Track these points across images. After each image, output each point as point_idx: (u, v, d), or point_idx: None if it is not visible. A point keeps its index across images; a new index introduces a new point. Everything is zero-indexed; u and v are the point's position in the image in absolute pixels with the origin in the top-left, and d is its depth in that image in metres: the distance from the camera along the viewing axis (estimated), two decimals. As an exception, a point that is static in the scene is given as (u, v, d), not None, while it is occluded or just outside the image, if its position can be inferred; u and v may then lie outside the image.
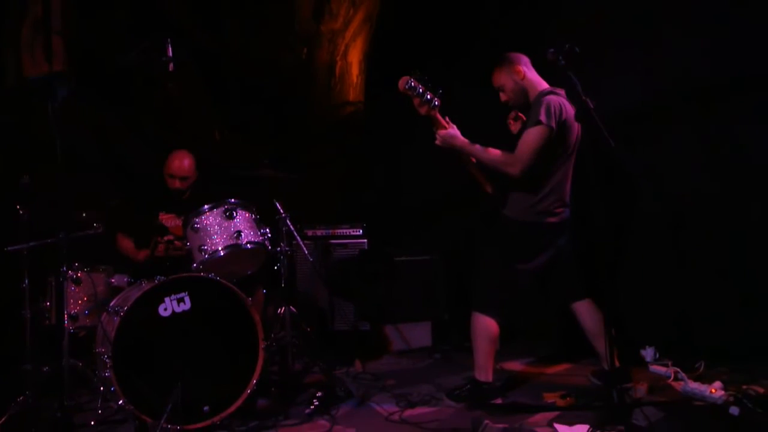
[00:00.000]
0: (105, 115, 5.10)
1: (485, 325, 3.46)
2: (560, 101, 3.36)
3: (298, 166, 5.11)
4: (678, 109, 4.12)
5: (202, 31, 5.96)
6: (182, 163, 4.17)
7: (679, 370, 3.63)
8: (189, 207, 3.98)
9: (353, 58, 6.40)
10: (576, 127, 3.43)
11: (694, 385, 3.35)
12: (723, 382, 3.31)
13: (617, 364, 3.35)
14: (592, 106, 3.02)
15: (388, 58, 6.02)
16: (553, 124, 3.29)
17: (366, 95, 6.52)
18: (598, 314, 3.56)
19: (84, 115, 4.83)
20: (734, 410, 2.96)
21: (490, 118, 3.85)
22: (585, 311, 3.60)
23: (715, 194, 3.96)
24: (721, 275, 3.92)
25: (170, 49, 3.50)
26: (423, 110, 3.44)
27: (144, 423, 3.17)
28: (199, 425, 3.24)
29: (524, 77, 3.52)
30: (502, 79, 3.57)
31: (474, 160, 3.49)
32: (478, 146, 3.42)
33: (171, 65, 3.50)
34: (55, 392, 3.35)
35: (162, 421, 3.05)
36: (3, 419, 3.27)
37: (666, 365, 3.75)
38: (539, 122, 3.28)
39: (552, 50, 3.11)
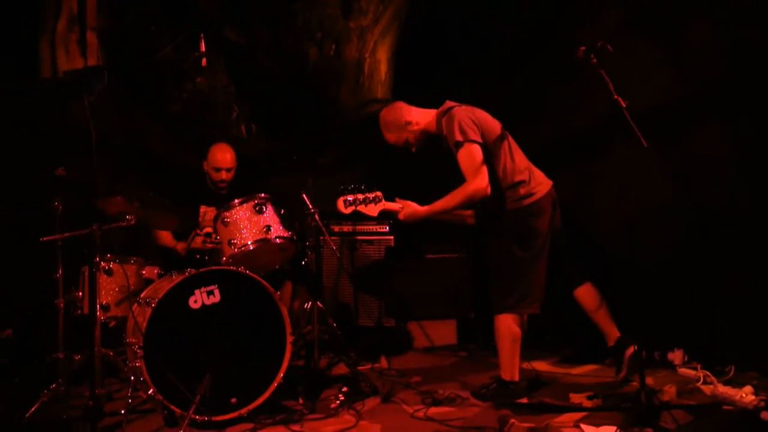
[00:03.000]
0: (136, 108, 5.17)
1: (506, 326, 3.47)
2: (464, 112, 3.44)
3: (325, 162, 5.14)
4: (708, 106, 4.06)
5: (231, 27, 6.01)
6: (226, 155, 4.32)
7: (708, 373, 3.58)
8: (229, 200, 4.05)
9: (382, 55, 6.41)
10: (486, 117, 3.51)
11: (723, 389, 3.30)
12: (753, 386, 3.25)
13: (617, 333, 3.61)
14: (624, 106, 3.01)
15: (416, 54, 6.03)
16: (474, 136, 3.36)
17: (394, 92, 6.52)
18: (595, 291, 3.67)
19: (116, 108, 4.90)
20: (765, 416, 2.92)
21: (518, 108, 3.84)
22: (585, 293, 3.68)
23: (747, 195, 3.89)
24: (752, 277, 3.85)
25: (203, 44, 3.55)
26: (373, 212, 3.54)
27: (173, 413, 3.22)
28: (226, 417, 3.28)
29: (416, 123, 3.61)
30: (403, 136, 3.64)
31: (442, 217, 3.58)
32: (438, 202, 3.48)
33: (204, 60, 3.55)
34: (86, 381, 3.44)
35: (190, 412, 3.09)
36: (36, 406, 3.33)
37: (695, 368, 3.70)
38: (460, 143, 3.35)
39: (583, 48, 3.10)
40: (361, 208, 3.50)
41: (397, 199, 3.60)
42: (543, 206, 3.49)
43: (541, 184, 3.54)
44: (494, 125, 3.53)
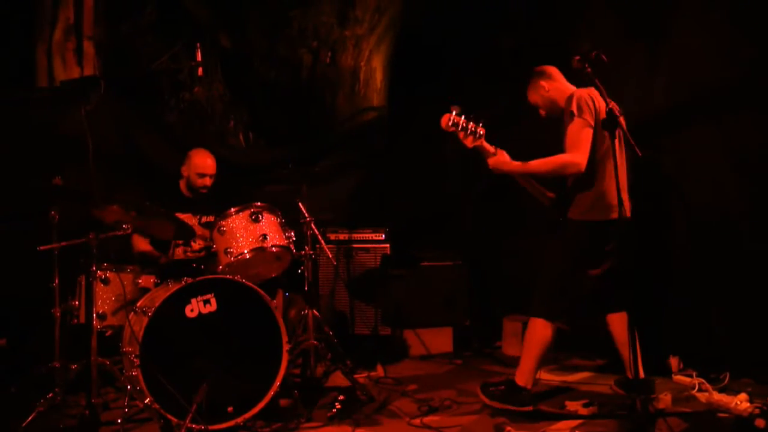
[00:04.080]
0: (133, 117, 5.17)
1: (542, 331, 3.41)
2: (589, 93, 3.38)
3: (321, 170, 5.14)
4: (701, 113, 4.08)
5: (227, 35, 6.03)
6: (207, 161, 4.29)
7: (703, 380, 3.60)
8: (205, 207, 4.05)
9: (377, 63, 6.44)
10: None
11: (718, 397, 3.33)
12: (748, 394, 3.28)
13: (642, 374, 3.38)
14: (618, 115, 3.03)
15: (412, 62, 6.05)
16: (587, 117, 3.31)
17: (389, 100, 6.54)
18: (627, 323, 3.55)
19: (112, 117, 4.89)
20: (760, 423, 2.93)
21: (517, 119, 3.85)
22: (618, 321, 3.57)
23: (740, 201, 3.91)
24: (747, 285, 3.87)
25: (199, 54, 3.57)
26: (469, 143, 3.46)
27: (169, 422, 3.21)
28: (223, 425, 3.28)
29: (548, 90, 3.57)
30: (533, 97, 3.65)
31: (524, 181, 3.54)
32: (533, 162, 3.42)
33: (200, 70, 3.57)
34: (82, 390, 3.43)
35: (187, 421, 3.09)
36: (32, 416, 3.32)
37: (690, 376, 3.72)
38: (573, 114, 3.32)
39: (578, 58, 3.13)
40: (461, 134, 3.41)
41: (495, 147, 3.55)
42: (614, 230, 3.37)
43: (621, 208, 3.23)
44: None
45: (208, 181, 4.28)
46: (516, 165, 3.47)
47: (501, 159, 3.50)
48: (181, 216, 4.18)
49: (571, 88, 3.53)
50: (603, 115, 3.30)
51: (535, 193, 3.61)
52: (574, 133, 3.32)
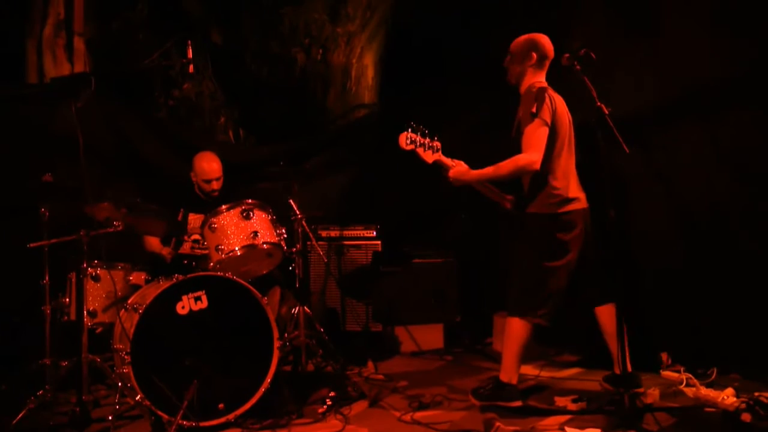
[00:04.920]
0: (123, 114, 5.16)
1: (517, 328, 3.45)
2: (547, 93, 3.40)
3: (312, 167, 5.15)
4: (690, 110, 4.09)
5: (218, 31, 6.02)
6: (213, 165, 4.30)
7: (691, 376, 3.63)
8: (217, 207, 4.07)
9: (368, 60, 6.45)
10: (566, 115, 3.50)
11: (705, 392, 3.35)
12: (735, 389, 3.30)
13: (629, 369, 3.41)
14: (607, 112, 3.05)
15: (403, 59, 6.05)
16: (546, 116, 3.33)
17: (381, 97, 6.55)
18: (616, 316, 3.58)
19: (103, 114, 4.88)
20: (746, 417, 2.96)
21: (512, 116, 3.84)
22: (606, 314, 3.58)
23: (729, 199, 3.93)
24: (734, 281, 3.90)
25: (190, 51, 3.57)
26: (428, 158, 3.53)
27: (160, 419, 3.22)
28: (214, 422, 3.29)
29: (532, 64, 3.51)
30: (515, 56, 3.56)
31: (483, 188, 3.56)
32: (489, 168, 3.44)
33: (191, 67, 3.56)
34: (73, 387, 3.43)
35: (178, 418, 3.10)
36: (22, 413, 3.32)
37: (678, 371, 3.75)
38: (532, 114, 3.33)
39: (567, 56, 3.16)
40: (420, 150, 3.49)
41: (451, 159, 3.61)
42: (573, 221, 3.44)
43: (577, 200, 3.47)
44: (565, 118, 3.50)
45: (215, 185, 4.29)
46: (475, 174, 3.50)
47: (460, 170, 3.54)
48: (193, 216, 4.22)
49: (538, 79, 3.52)
50: (560, 113, 3.43)
51: (495, 198, 3.64)
52: (531, 132, 3.33)
